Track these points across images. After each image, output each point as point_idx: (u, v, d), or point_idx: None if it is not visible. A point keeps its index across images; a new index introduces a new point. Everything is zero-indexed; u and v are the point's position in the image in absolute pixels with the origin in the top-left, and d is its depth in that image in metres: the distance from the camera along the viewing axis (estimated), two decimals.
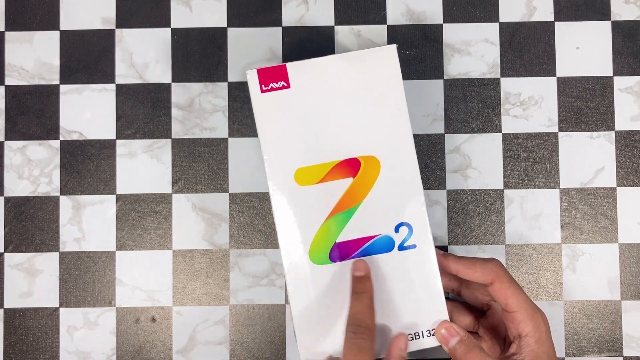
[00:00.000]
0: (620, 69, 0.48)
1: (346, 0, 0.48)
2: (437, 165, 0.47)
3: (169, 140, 0.48)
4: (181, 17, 0.49)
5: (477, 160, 0.48)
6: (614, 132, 0.48)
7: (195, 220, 0.47)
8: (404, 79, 0.48)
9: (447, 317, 0.38)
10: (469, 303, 0.44)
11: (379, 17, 0.48)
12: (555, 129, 0.48)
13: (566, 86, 0.48)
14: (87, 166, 0.48)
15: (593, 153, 0.47)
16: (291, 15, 0.48)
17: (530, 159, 0.47)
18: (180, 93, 0.48)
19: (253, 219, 0.47)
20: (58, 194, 0.48)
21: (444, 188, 0.47)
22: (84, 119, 0.48)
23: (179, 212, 0.47)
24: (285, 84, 0.39)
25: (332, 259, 0.39)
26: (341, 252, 0.39)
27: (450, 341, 0.37)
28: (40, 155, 0.48)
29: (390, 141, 0.39)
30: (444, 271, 0.40)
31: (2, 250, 0.48)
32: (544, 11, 0.48)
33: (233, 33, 0.48)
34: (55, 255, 0.48)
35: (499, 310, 0.41)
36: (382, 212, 0.39)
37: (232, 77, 0.48)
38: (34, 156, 0.48)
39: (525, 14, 0.48)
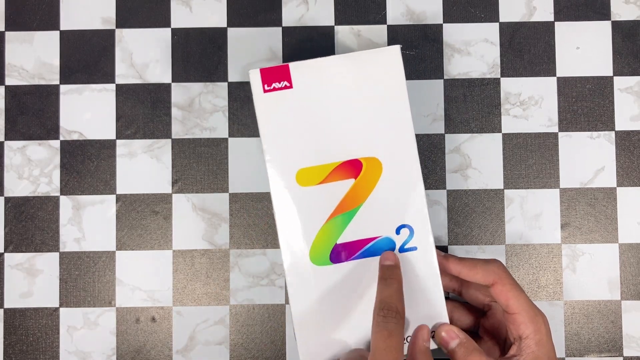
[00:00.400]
0: (620, 69, 0.48)
1: (346, 0, 0.48)
2: (437, 165, 0.47)
3: (169, 140, 0.48)
4: (181, 17, 0.49)
5: (477, 160, 0.48)
6: (614, 132, 0.48)
7: (195, 220, 0.47)
8: None
9: (447, 320, 0.38)
10: (469, 303, 0.44)
11: (379, 17, 0.48)
12: (555, 129, 0.48)
13: (566, 86, 0.48)
14: (87, 166, 0.48)
15: (593, 153, 0.47)
16: (291, 15, 0.48)
17: (530, 159, 0.48)
18: (180, 93, 0.48)
19: (253, 219, 0.47)
20: (58, 194, 0.48)
21: (444, 188, 0.47)
22: (84, 119, 0.48)
23: (179, 212, 0.47)
24: (288, 84, 0.39)
25: (333, 260, 0.38)
26: (342, 253, 0.38)
27: (450, 343, 0.37)
28: (40, 155, 0.48)
29: (393, 143, 0.39)
30: (445, 272, 0.40)
31: (2, 250, 0.48)
32: (544, 11, 0.48)
33: (233, 33, 0.48)
34: (55, 255, 0.48)
35: (499, 311, 0.41)
36: (384, 214, 0.39)
37: (232, 77, 0.48)
38: (34, 156, 0.48)
39: (525, 14, 0.48)
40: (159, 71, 0.48)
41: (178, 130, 0.48)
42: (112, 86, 0.48)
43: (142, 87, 0.48)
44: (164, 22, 0.49)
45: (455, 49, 0.48)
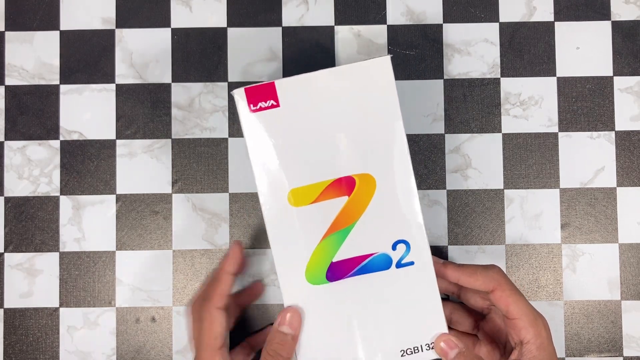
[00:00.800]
0: (620, 69, 0.48)
1: (346, 0, 0.48)
2: (437, 165, 0.47)
3: (169, 140, 0.48)
4: (181, 17, 0.49)
5: (477, 160, 0.48)
6: (614, 132, 0.48)
7: (195, 220, 0.47)
8: (404, 79, 0.48)
9: (446, 330, 0.38)
10: (469, 306, 0.44)
11: (379, 17, 0.48)
12: (555, 129, 0.48)
13: (566, 86, 0.48)
14: (87, 166, 0.48)
15: (593, 153, 0.48)
16: (291, 15, 0.48)
17: (530, 159, 0.48)
18: (180, 93, 0.48)
19: (253, 219, 0.47)
20: (58, 194, 0.48)
21: (444, 188, 0.47)
22: (84, 119, 0.48)
23: (179, 212, 0.47)
24: (275, 103, 0.38)
25: (329, 278, 0.38)
26: (338, 271, 0.38)
27: (449, 354, 0.37)
28: (40, 155, 0.48)
29: (386, 158, 0.38)
30: (444, 279, 0.40)
31: (2, 250, 0.48)
32: (544, 11, 0.48)
33: (233, 33, 0.48)
34: (55, 255, 0.48)
35: (499, 314, 0.41)
36: (379, 230, 0.38)
37: (232, 77, 0.48)
38: (34, 156, 0.48)
39: (525, 14, 0.48)
40: (159, 71, 0.48)
41: (178, 130, 0.48)
42: (112, 86, 0.48)
43: (142, 87, 0.48)
44: (164, 22, 0.49)
45: (455, 49, 0.48)
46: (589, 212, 0.47)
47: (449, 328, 0.44)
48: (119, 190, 0.48)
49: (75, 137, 0.48)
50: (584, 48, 0.48)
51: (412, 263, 0.38)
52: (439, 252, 0.47)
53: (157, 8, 0.49)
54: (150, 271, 0.47)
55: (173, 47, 0.48)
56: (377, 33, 0.48)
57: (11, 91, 0.48)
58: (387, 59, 0.38)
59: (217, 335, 0.38)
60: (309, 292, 0.38)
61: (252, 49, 0.48)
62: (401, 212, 0.38)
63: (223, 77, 0.48)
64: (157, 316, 0.47)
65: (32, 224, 0.48)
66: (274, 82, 0.38)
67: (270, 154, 0.38)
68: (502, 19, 0.48)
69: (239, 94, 0.38)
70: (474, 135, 0.48)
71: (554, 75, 0.48)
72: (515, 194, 0.47)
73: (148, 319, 0.47)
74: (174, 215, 0.47)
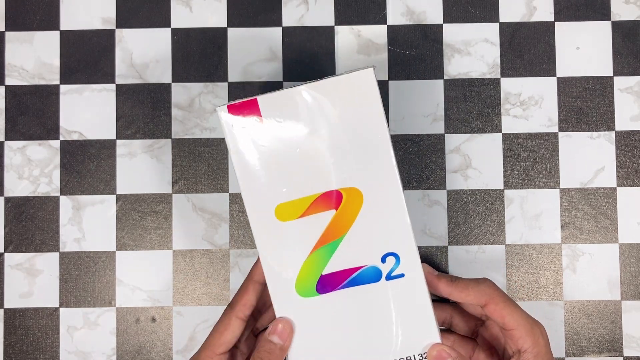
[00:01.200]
0: (620, 69, 0.48)
1: (346, 0, 0.48)
2: (437, 165, 0.47)
3: (169, 140, 0.48)
4: (181, 17, 0.49)
5: (477, 160, 0.48)
6: (614, 132, 0.48)
7: (195, 220, 0.47)
8: (404, 79, 0.48)
9: (439, 340, 0.38)
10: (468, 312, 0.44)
11: (379, 17, 0.48)
12: (555, 129, 0.48)
13: (566, 86, 0.48)
14: (87, 166, 0.48)
15: (593, 153, 0.48)
16: (291, 15, 0.48)
17: (530, 159, 0.48)
18: (180, 93, 0.48)
19: None
20: (58, 194, 0.48)
21: (444, 188, 0.47)
22: (84, 119, 0.48)
23: (179, 212, 0.47)
24: (258, 119, 0.37)
25: (319, 291, 0.38)
26: (328, 284, 0.38)
27: None
28: (40, 155, 0.48)
29: (373, 171, 0.37)
30: (436, 293, 0.40)
31: (2, 250, 0.48)
32: (544, 11, 0.48)
33: (233, 33, 0.48)
34: (55, 255, 0.48)
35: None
36: (368, 243, 0.38)
37: (232, 77, 0.48)
38: (34, 156, 0.48)
39: (525, 14, 0.48)
40: (159, 71, 0.48)
41: (178, 130, 0.48)
42: (112, 86, 0.48)
43: (142, 87, 0.48)
44: (164, 22, 0.49)
45: (455, 49, 0.48)
46: (589, 212, 0.47)
47: (450, 331, 0.44)
48: (119, 190, 0.48)
49: (75, 137, 0.48)
50: (584, 48, 0.48)
51: (402, 275, 0.38)
52: (439, 253, 0.47)
53: (157, 8, 0.49)
54: (150, 271, 0.47)
55: (173, 47, 0.48)
56: (377, 33, 0.48)
57: (11, 91, 0.48)
58: (370, 72, 0.37)
59: (224, 341, 0.38)
60: (300, 304, 0.38)
61: (252, 49, 0.48)
62: (389, 225, 0.38)
63: (223, 77, 0.48)
64: (157, 316, 0.47)
65: (32, 224, 0.48)
66: (256, 98, 0.37)
67: (255, 169, 0.38)
68: (502, 19, 0.48)
69: (222, 111, 0.37)
70: (474, 135, 0.48)
71: (554, 75, 0.48)
72: (515, 194, 0.47)
73: (148, 319, 0.47)
74: (174, 215, 0.48)
